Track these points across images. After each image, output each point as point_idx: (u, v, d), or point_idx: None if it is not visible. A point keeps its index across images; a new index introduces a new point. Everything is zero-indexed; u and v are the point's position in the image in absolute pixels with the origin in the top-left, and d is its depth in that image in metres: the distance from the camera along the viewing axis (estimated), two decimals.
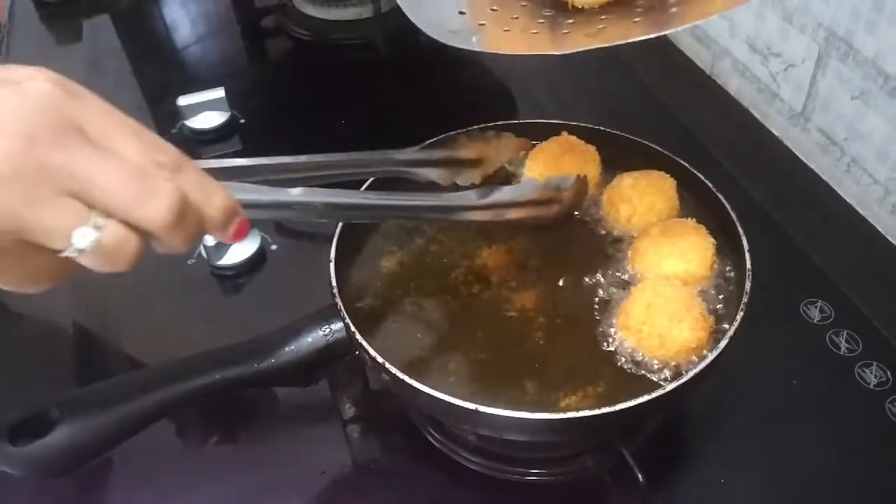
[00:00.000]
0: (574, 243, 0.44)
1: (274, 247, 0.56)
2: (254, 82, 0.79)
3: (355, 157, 0.44)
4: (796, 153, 0.62)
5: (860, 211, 0.56)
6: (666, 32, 0.32)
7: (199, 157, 0.65)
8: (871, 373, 0.45)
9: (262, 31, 0.85)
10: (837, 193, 0.58)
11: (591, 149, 0.46)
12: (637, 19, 0.33)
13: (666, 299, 0.37)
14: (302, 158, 0.43)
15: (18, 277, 0.25)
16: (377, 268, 0.43)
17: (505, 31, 0.36)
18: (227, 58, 0.83)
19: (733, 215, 0.41)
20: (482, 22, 0.36)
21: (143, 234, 0.24)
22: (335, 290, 0.38)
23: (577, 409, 0.34)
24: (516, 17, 0.36)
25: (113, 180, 0.23)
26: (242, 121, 0.69)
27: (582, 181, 0.44)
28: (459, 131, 0.47)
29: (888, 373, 0.45)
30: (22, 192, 0.22)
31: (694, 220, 0.42)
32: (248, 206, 0.29)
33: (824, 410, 0.44)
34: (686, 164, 0.45)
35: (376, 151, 0.44)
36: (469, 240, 0.44)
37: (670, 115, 0.65)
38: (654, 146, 0.46)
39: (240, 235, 0.28)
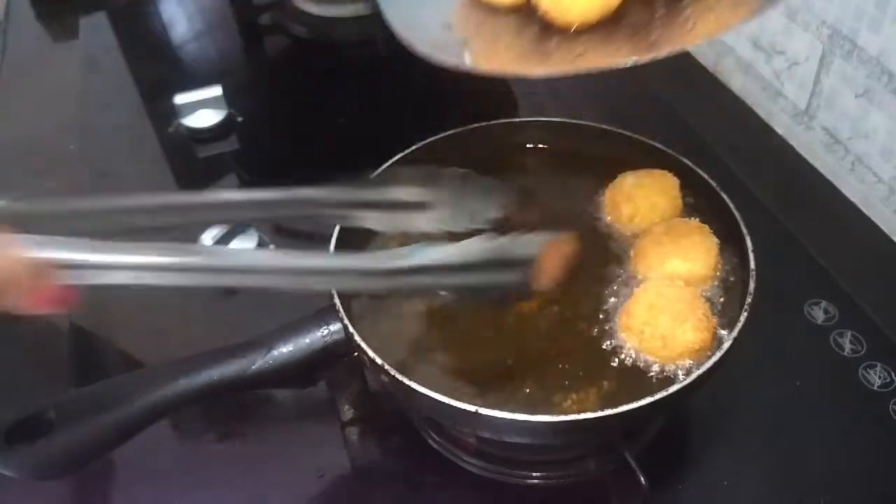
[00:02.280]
0: (577, 243, 0.43)
1: (272, 246, 0.56)
2: (251, 80, 0.79)
3: (262, 196, 0.35)
4: (800, 152, 0.62)
5: (864, 210, 0.56)
6: (647, 60, 0.30)
7: (199, 155, 0.66)
8: (875, 374, 0.45)
9: (259, 28, 0.85)
10: (841, 192, 0.58)
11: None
12: (621, 43, 0.33)
13: (669, 300, 0.36)
14: (197, 198, 0.34)
15: None
16: None
17: (489, 48, 0.35)
18: (225, 55, 0.82)
19: (737, 215, 0.40)
20: (466, 36, 0.35)
21: None
22: (334, 291, 0.38)
23: (579, 411, 0.33)
24: (501, 35, 0.35)
25: None
26: (240, 119, 0.68)
27: (557, 247, 0.33)
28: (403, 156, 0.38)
29: (892, 374, 0.45)
30: None
31: (697, 219, 0.42)
32: (65, 266, 0.23)
33: (828, 411, 0.43)
34: (689, 163, 0.44)
35: (291, 189, 0.36)
36: None
37: (673, 114, 0.65)
38: (657, 145, 0.46)
39: (49, 304, 0.22)
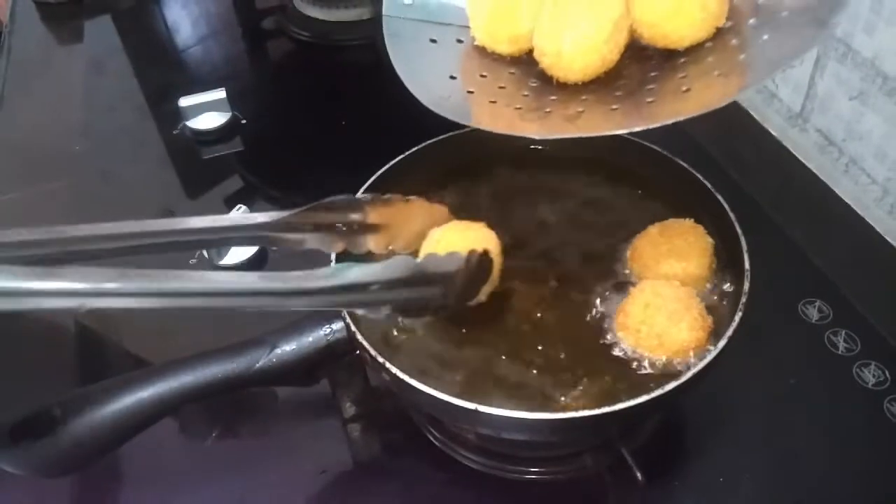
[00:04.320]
0: (573, 242, 0.44)
1: (274, 247, 0.56)
2: (255, 83, 0.80)
3: (202, 224, 0.33)
4: (795, 153, 0.62)
5: (858, 211, 0.57)
6: (640, 129, 0.31)
7: (203, 157, 0.67)
8: (870, 372, 0.45)
9: (262, 32, 0.86)
10: (836, 194, 0.58)
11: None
12: (615, 106, 0.33)
13: (665, 299, 0.37)
14: (108, 228, 0.30)
15: None
16: None
17: (491, 101, 0.35)
18: (229, 59, 0.83)
19: (732, 215, 0.41)
20: (471, 89, 0.36)
21: None
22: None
23: (576, 409, 0.34)
24: (503, 87, 0.36)
25: None
26: (244, 121, 0.69)
27: (477, 261, 0.33)
28: (341, 198, 0.37)
29: (886, 372, 0.45)
30: None
31: (692, 219, 0.42)
32: None
33: (823, 410, 0.44)
34: (684, 165, 0.45)
35: (226, 217, 0.35)
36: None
37: None
38: (652, 146, 0.47)
39: None
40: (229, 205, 0.56)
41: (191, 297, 0.28)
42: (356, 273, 0.31)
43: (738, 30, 0.33)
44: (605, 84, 0.35)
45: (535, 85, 0.36)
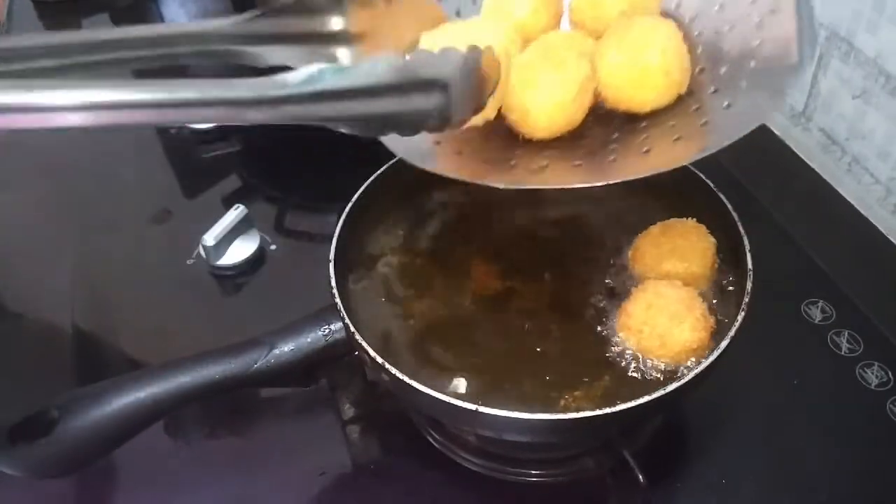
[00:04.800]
0: (574, 243, 0.44)
1: (273, 247, 0.56)
2: None
3: (144, 32, 0.29)
4: (797, 153, 0.62)
5: (861, 211, 0.56)
6: (600, 184, 0.32)
7: (201, 156, 0.66)
8: (873, 373, 0.45)
9: None
10: (839, 193, 0.58)
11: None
12: (578, 162, 0.34)
13: (667, 299, 0.37)
14: (67, 36, 0.27)
15: None
16: (378, 267, 0.43)
17: (457, 153, 0.36)
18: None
19: (734, 215, 0.40)
20: (438, 140, 0.36)
21: None
22: (335, 291, 0.38)
23: (577, 410, 0.34)
24: (470, 139, 0.37)
25: None
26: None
27: (480, 59, 0.28)
28: None
29: (889, 373, 0.45)
30: None
31: (694, 219, 0.42)
32: None
33: (825, 411, 0.44)
34: (686, 164, 0.44)
35: (182, 24, 0.31)
36: (471, 241, 0.44)
37: None
38: None
39: None
40: (227, 204, 0.56)
41: (143, 109, 0.23)
42: (332, 78, 0.25)
43: (699, 97, 0.34)
44: (568, 142, 0.36)
45: (500, 138, 0.37)
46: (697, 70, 0.35)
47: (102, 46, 0.28)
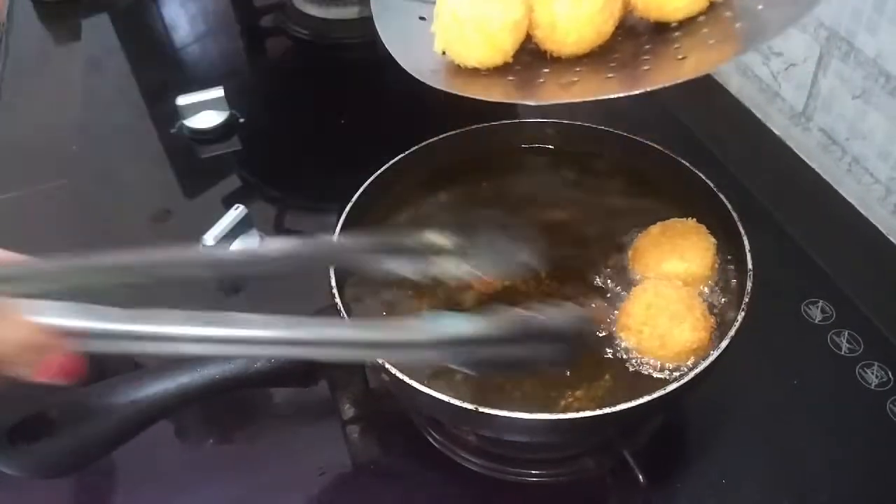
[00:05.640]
0: (574, 243, 0.44)
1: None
2: (253, 82, 0.79)
3: (280, 250, 0.33)
4: (797, 153, 0.62)
5: (862, 211, 0.56)
6: (636, 93, 0.31)
7: (200, 156, 0.66)
8: (873, 373, 0.45)
9: (261, 30, 0.85)
10: (839, 193, 0.58)
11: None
12: (610, 75, 0.33)
13: (667, 300, 0.37)
14: (187, 254, 0.30)
15: None
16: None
17: (484, 74, 0.35)
18: (227, 57, 0.83)
19: (734, 215, 0.40)
20: (460, 63, 0.36)
21: None
22: (335, 291, 0.38)
23: (577, 410, 0.34)
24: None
25: None
26: (242, 120, 0.69)
27: (588, 320, 0.33)
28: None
29: (889, 373, 0.45)
30: None
31: (694, 219, 0.42)
32: (76, 335, 0.21)
33: (825, 411, 0.44)
34: (687, 164, 0.44)
35: (312, 238, 0.35)
36: (471, 241, 0.44)
37: (671, 115, 0.65)
38: (655, 146, 0.46)
39: (60, 375, 0.21)
40: (227, 204, 0.56)
41: (281, 346, 0.26)
42: (457, 326, 0.28)
43: (731, 3, 0.33)
44: (599, 57, 0.34)
45: (527, 60, 0.36)
46: None
47: (253, 262, 0.31)
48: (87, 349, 0.22)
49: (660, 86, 0.31)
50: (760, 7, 0.32)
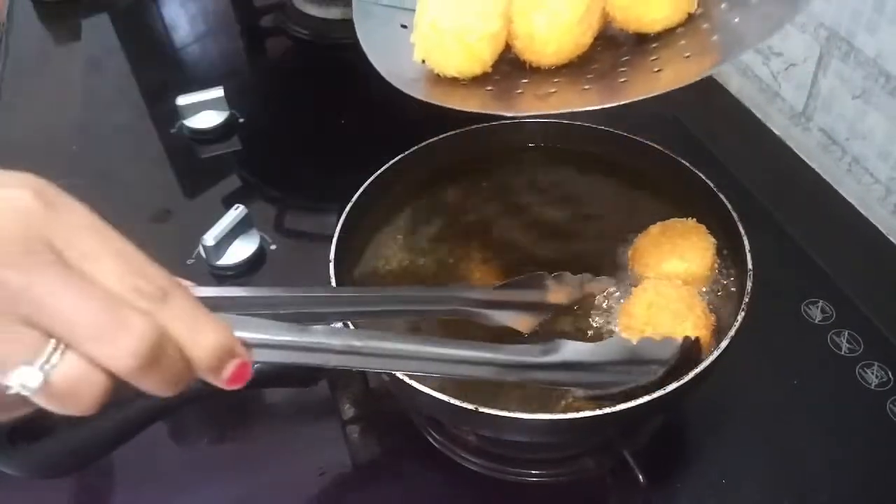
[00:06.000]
0: (574, 243, 0.44)
1: (274, 246, 0.56)
2: (253, 82, 0.79)
3: (410, 293, 0.36)
4: (797, 153, 0.62)
5: (862, 211, 0.56)
6: (611, 105, 0.31)
7: (200, 156, 0.66)
8: (873, 373, 0.45)
9: (261, 30, 0.85)
10: (839, 193, 0.58)
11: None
12: (587, 86, 0.34)
13: (668, 299, 0.37)
14: (342, 292, 0.36)
15: None
16: (378, 268, 0.43)
17: (463, 84, 0.36)
18: (227, 57, 0.82)
19: (734, 215, 0.40)
20: (439, 72, 0.36)
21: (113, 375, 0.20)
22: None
23: (577, 410, 0.33)
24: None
25: (77, 308, 0.19)
26: (241, 120, 0.69)
27: (691, 347, 0.34)
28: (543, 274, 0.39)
29: (889, 373, 0.45)
30: None
31: (694, 219, 0.42)
32: (253, 345, 0.24)
33: (825, 411, 0.44)
34: (687, 164, 0.45)
35: (438, 287, 0.39)
36: (470, 241, 0.44)
37: (671, 115, 0.65)
38: (655, 146, 0.46)
39: (238, 380, 0.23)
40: (227, 204, 0.56)
41: (414, 361, 0.29)
42: (571, 350, 0.31)
43: (709, 14, 0.33)
44: (577, 67, 0.35)
45: (506, 70, 0.36)
46: None
47: (370, 302, 0.34)
48: (263, 359, 0.25)
49: (634, 99, 0.31)
50: (737, 20, 0.32)
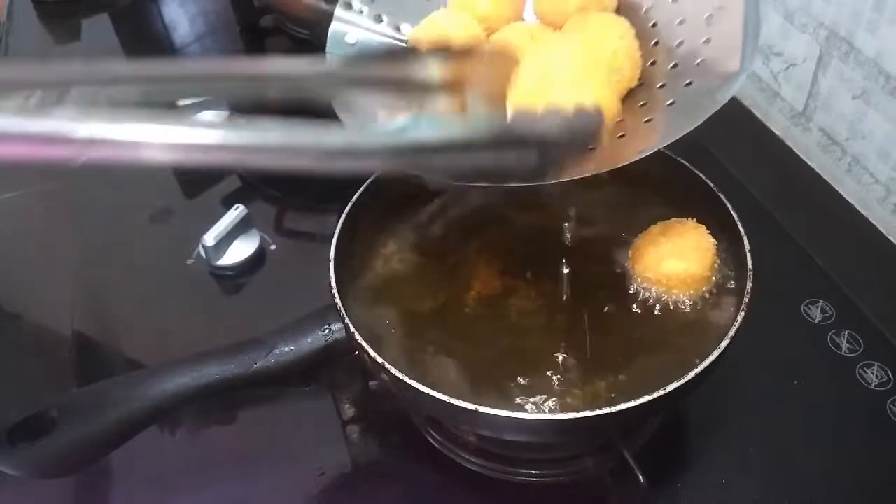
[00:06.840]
0: (574, 243, 0.44)
1: (273, 246, 0.56)
2: None
3: (236, 69, 0.29)
4: (797, 153, 0.62)
5: (861, 211, 0.56)
6: (546, 182, 0.31)
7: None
8: (873, 373, 0.45)
9: (261, 30, 0.85)
10: (839, 193, 0.58)
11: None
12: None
13: (565, 56, 0.31)
14: (134, 68, 0.27)
15: None
16: (378, 268, 0.43)
17: None
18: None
19: (734, 215, 0.40)
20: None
21: None
22: (335, 291, 0.38)
23: (576, 410, 0.34)
24: None
25: None
26: (242, 120, 0.69)
27: (585, 122, 0.26)
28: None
29: (889, 373, 0.45)
30: None
31: (694, 219, 0.42)
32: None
33: (825, 411, 0.44)
34: (687, 164, 0.44)
35: (264, 60, 0.30)
36: (471, 241, 0.44)
37: None
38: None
39: None
40: (227, 204, 0.56)
41: (229, 152, 0.24)
42: (428, 130, 0.25)
43: (649, 91, 0.34)
44: None
45: None
46: (649, 63, 0.34)
47: (192, 79, 0.28)
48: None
49: (562, 179, 0.31)
50: (669, 102, 0.33)
